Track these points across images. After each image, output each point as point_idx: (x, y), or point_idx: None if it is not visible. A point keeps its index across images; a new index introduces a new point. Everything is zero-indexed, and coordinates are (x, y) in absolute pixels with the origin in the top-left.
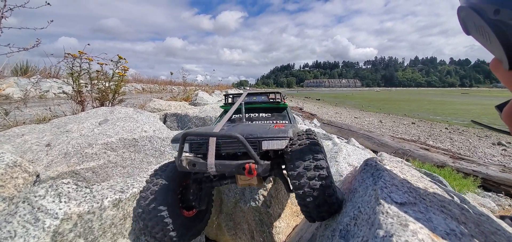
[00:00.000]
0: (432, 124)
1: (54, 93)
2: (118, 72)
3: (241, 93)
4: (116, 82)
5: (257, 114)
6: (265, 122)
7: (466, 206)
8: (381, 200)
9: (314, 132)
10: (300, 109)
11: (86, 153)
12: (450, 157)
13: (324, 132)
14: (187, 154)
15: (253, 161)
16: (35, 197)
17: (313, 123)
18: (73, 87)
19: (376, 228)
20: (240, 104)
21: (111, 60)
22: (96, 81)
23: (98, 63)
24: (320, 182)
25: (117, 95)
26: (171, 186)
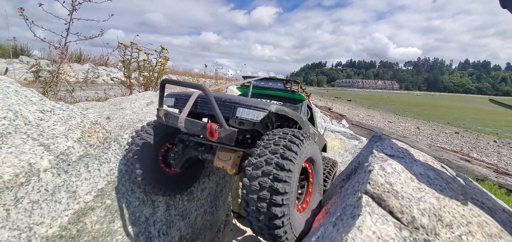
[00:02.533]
0: (478, 135)
1: (103, 80)
2: (160, 62)
3: (263, 79)
4: (159, 71)
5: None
6: None
7: (463, 182)
8: (374, 151)
9: (300, 136)
10: (329, 109)
11: (137, 126)
12: (494, 171)
13: (352, 132)
14: (170, 108)
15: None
16: (122, 138)
17: (341, 123)
18: (124, 73)
19: (365, 164)
20: (249, 84)
21: (155, 50)
22: (143, 69)
23: (145, 53)
24: (269, 208)
25: None
26: (151, 141)
